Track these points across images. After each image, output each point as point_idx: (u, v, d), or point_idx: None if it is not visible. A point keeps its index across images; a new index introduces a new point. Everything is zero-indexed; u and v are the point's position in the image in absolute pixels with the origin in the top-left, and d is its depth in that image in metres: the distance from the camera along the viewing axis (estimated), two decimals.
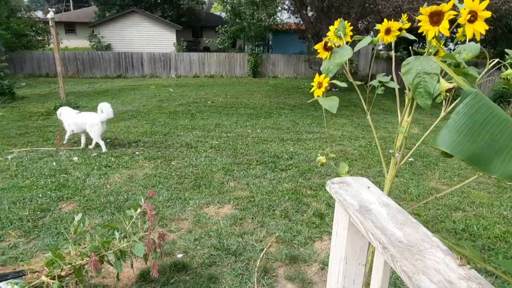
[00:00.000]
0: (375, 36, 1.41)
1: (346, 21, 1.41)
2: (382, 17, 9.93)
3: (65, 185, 3.98)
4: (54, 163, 4.67)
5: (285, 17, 18.80)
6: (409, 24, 1.40)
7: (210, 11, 38.54)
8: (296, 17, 15.29)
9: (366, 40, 1.25)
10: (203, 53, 17.28)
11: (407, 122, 1.45)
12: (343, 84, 1.35)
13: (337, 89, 12.31)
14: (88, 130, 5.22)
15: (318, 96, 1.35)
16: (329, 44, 1.24)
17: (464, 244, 0.86)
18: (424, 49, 1.34)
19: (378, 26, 1.19)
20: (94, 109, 8.71)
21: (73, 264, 1.98)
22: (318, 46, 1.27)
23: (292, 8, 14.90)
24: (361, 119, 8.21)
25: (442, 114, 1.47)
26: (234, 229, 3.12)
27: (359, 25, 11.86)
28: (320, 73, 1.35)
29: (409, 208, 2.33)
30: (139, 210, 2.21)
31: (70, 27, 28.85)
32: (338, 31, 1.36)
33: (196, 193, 3.88)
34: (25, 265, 2.13)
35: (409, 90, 1.37)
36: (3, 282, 2.10)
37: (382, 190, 1.57)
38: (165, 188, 3.96)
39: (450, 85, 1.17)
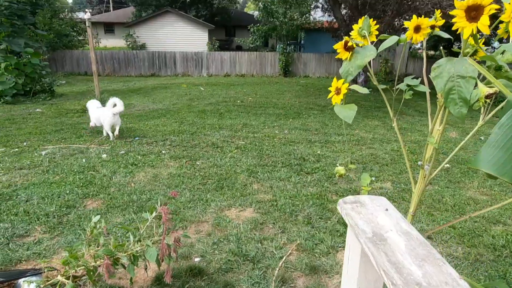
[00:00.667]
0: None
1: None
2: (420, 15, 9.44)
3: (92, 182, 4.07)
4: (83, 160, 4.79)
5: (318, 15, 18.45)
6: (443, 21, 1.24)
7: (244, 10, 38.73)
8: (329, 15, 14.93)
9: (392, 39, 1.11)
10: (235, 52, 17.33)
11: (438, 131, 1.29)
12: (365, 90, 1.21)
13: (370, 89, 11.91)
14: (102, 122, 5.82)
15: (335, 104, 1.22)
16: (349, 44, 1.11)
17: (498, 284, 0.71)
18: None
19: (406, 24, 1.05)
20: (126, 106, 8.97)
21: (86, 265, 1.97)
22: (338, 46, 1.14)
23: (325, 6, 14.57)
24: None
25: (480, 122, 1.30)
26: (254, 234, 3.03)
27: (395, 22, 11.39)
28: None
29: (441, 226, 2.14)
30: (154, 213, 2.17)
31: (109, 27, 30.00)
32: (362, 30, 1.22)
33: (218, 194, 3.83)
34: (42, 263, 2.15)
35: (441, 96, 1.21)
36: (22, 279, 2.13)
37: (411, 203, 1.42)
38: (188, 189, 3.94)
39: (491, 90, 1.00)
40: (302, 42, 23.27)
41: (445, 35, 1.27)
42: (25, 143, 5.56)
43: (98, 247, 2.02)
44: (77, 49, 17.84)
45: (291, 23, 16.77)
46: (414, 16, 1.06)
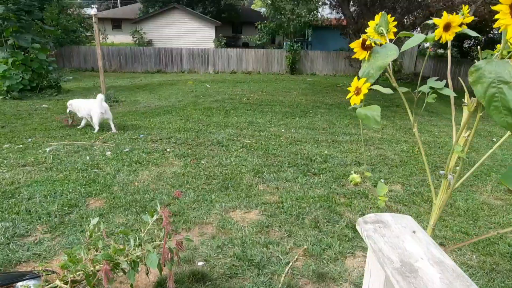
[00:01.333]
0: (421, 33, 1.16)
1: (389, 16, 1.17)
2: (431, 12, 9.26)
3: (95, 180, 4.00)
4: (87, 158, 4.73)
5: (326, 12, 18.22)
6: (472, 18, 1.13)
7: (251, 7, 38.56)
8: (337, 12, 14.74)
9: (418, 37, 1.00)
10: (241, 49, 17.21)
11: (464, 138, 1.18)
12: (388, 90, 1.11)
13: None
14: (91, 115, 6.07)
15: (354, 105, 1.11)
16: (368, 42, 1.00)
17: None
18: (476, 47, 1.06)
19: (435, 21, 0.94)
20: (132, 103, 8.93)
21: (85, 270, 1.89)
22: (355, 44, 1.04)
23: (334, 3, 14.38)
24: (404, 120, 7.69)
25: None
26: (260, 238, 2.94)
27: (405, 20, 11.20)
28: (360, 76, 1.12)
29: (465, 242, 2.03)
30: (155, 216, 2.08)
31: (116, 23, 29.96)
32: (379, 26, 1.12)
33: (223, 195, 3.74)
34: (41, 266, 2.08)
35: (470, 98, 1.10)
36: (20, 283, 2.06)
37: (427, 213, 1.32)
38: (192, 188, 3.86)
39: None
40: (310, 39, 23.06)
41: (473, 34, 1.16)
42: (29, 139, 5.52)
43: (97, 251, 1.94)
44: (84, 45, 17.84)
45: (299, 20, 16.59)
46: (445, 13, 0.95)
